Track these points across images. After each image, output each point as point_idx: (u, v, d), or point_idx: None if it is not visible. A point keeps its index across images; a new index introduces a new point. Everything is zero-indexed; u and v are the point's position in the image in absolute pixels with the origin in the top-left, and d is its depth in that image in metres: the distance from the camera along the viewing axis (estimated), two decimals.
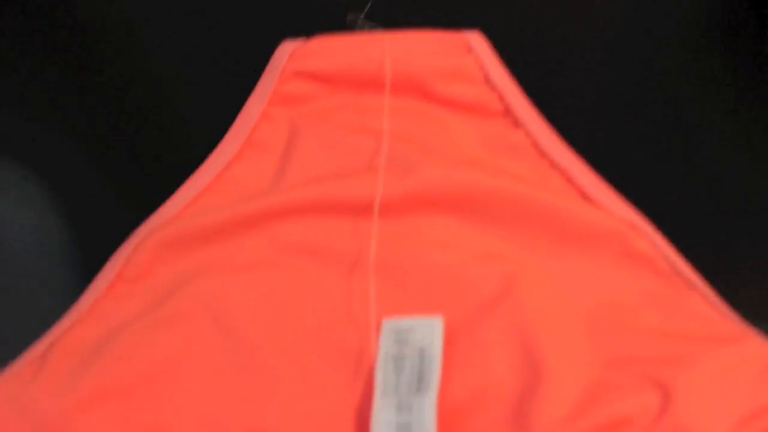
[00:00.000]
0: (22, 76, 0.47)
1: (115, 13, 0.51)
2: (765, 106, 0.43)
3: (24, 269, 0.39)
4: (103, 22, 0.51)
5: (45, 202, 0.42)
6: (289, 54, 0.43)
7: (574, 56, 0.47)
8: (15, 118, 0.45)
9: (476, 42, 0.43)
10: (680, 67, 0.46)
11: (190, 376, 0.32)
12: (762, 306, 0.35)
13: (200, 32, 0.49)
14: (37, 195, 0.42)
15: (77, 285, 0.36)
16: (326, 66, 0.42)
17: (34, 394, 0.31)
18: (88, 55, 0.49)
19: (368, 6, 0.45)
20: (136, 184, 0.42)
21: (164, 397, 0.31)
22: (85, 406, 0.30)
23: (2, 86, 0.47)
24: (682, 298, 0.33)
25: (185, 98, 0.46)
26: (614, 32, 0.48)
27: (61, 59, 0.48)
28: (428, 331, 0.32)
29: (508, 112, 0.41)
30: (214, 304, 0.34)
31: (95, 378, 0.31)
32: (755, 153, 0.41)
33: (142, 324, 0.33)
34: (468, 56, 0.42)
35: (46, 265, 0.39)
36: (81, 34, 0.50)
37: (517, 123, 0.41)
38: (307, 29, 0.45)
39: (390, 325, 0.33)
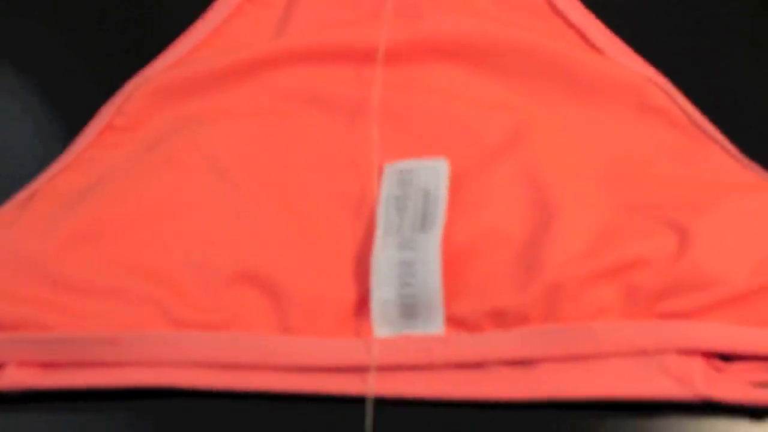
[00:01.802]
0: None
1: None
2: None
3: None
4: None
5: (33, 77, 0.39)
6: None
7: None
8: None
9: None
10: None
11: (180, 218, 0.30)
12: None
13: None
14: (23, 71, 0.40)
15: None
16: None
17: (14, 236, 0.29)
18: None
19: None
20: (131, 42, 0.40)
21: (152, 238, 0.29)
22: (68, 247, 0.29)
23: None
24: (701, 149, 0.31)
25: None
26: None
27: None
28: (433, 173, 0.30)
29: None
30: (210, 149, 0.32)
31: (79, 219, 0.29)
32: None
33: (131, 168, 0.32)
34: None
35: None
36: None
37: None
38: None
39: (393, 167, 0.31)
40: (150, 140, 0.33)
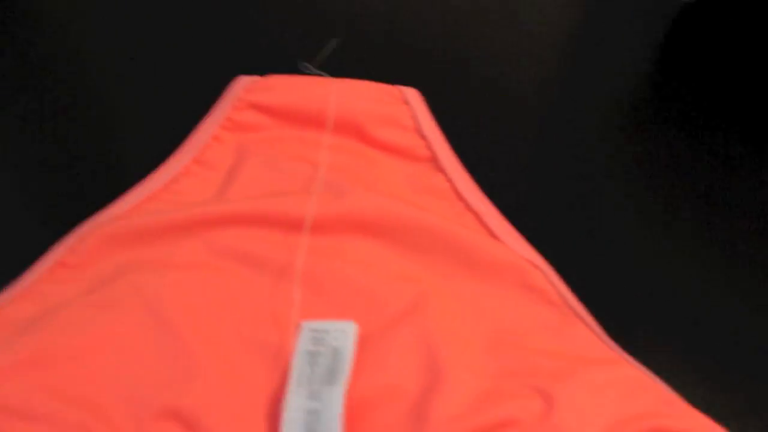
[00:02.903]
0: None
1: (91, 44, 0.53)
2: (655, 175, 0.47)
3: None
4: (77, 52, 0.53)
5: None
6: (244, 87, 0.45)
7: (496, 116, 0.50)
8: None
9: (411, 96, 0.46)
10: (594, 147, 0.49)
11: (117, 355, 0.32)
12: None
13: (164, 65, 0.52)
14: None
15: None
16: (278, 101, 0.45)
17: None
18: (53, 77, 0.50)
19: (320, 57, 0.48)
20: (89, 193, 0.43)
21: (89, 371, 0.32)
22: (13, 372, 0.31)
23: None
24: (570, 326, 0.36)
25: (143, 119, 0.48)
26: (542, 104, 0.52)
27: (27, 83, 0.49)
28: (342, 334, 0.33)
29: (433, 158, 0.44)
30: (150, 295, 0.35)
31: (26, 347, 0.31)
32: (646, 214, 0.45)
33: (78, 305, 0.34)
34: (403, 107, 0.45)
35: None
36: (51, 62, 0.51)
37: (439, 168, 0.43)
38: (261, 71, 0.47)
39: (308, 326, 0.34)
40: (97, 281, 0.36)
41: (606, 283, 0.41)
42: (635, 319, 0.39)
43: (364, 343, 0.34)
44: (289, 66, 0.50)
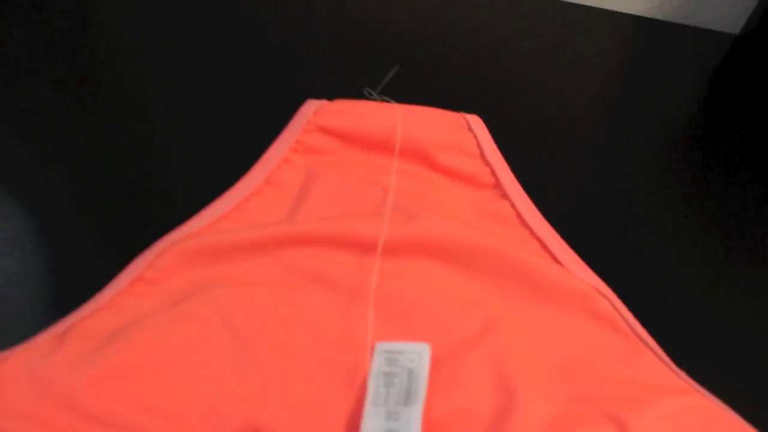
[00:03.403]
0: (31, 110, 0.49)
1: (165, 68, 0.54)
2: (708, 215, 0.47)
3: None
4: (150, 73, 0.54)
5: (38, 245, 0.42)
6: (314, 110, 0.46)
7: (556, 146, 0.50)
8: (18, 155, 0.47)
9: (475, 123, 0.47)
10: (648, 177, 0.50)
11: (197, 369, 0.33)
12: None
13: (234, 90, 0.53)
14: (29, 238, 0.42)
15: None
16: (346, 125, 0.45)
17: (51, 367, 0.31)
18: (130, 98, 0.51)
19: (383, 83, 0.49)
20: (160, 213, 0.43)
21: (170, 384, 0.32)
22: (97, 383, 0.31)
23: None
24: (638, 354, 0.36)
25: (213, 142, 0.48)
26: (594, 136, 0.52)
27: (95, 110, 0.51)
28: (417, 355, 0.34)
29: (497, 185, 0.44)
30: (226, 310, 0.35)
31: (109, 359, 0.32)
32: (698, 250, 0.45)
33: (157, 319, 0.34)
34: (468, 134, 0.46)
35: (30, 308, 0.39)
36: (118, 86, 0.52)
37: (504, 195, 0.44)
38: (327, 96, 0.48)
39: (383, 347, 0.34)
40: (175, 296, 0.36)
41: (663, 312, 0.41)
42: (697, 352, 0.39)
43: (436, 366, 0.34)
44: (354, 91, 0.50)
